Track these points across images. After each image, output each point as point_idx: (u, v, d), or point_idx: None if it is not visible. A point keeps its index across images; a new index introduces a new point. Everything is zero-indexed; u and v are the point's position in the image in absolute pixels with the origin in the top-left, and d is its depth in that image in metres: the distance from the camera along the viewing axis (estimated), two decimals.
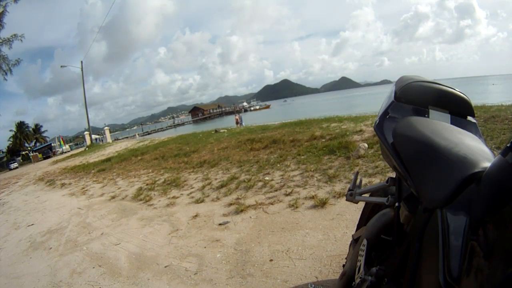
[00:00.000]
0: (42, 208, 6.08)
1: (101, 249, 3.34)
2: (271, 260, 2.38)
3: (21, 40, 24.84)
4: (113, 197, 5.57)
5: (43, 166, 17.66)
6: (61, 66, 30.24)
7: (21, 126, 52.37)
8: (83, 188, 7.22)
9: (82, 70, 30.11)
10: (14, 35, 24.59)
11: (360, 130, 5.90)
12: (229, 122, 27.58)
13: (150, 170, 7.37)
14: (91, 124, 30.44)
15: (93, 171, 9.58)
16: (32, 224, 5.01)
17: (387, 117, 0.99)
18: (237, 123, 14.57)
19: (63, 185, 8.44)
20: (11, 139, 51.16)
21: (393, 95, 1.02)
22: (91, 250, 3.39)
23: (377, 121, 1.02)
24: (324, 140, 5.91)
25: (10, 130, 52.00)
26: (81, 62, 30.43)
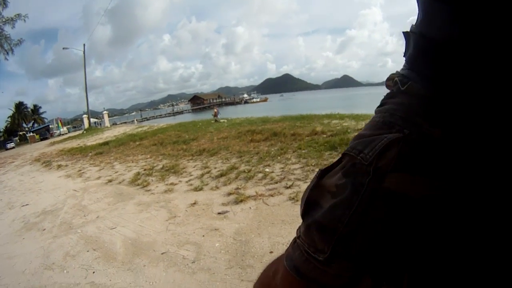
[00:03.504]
0: (38, 189, 6.00)
1: (96, 233, 3.27)
2: (271, 252, 2.32)
3: (24, 20, 24.58)
4: (110, 181, 5.49)
5: (40, 147, 17.50)
6: (63, 48, 29.99)
7: (19, 106, 51.98)
8: (80, 170, 7.13)
9: (84, 53, 29.79)
10: (18, 14, 24.31)
11: (361, 129, 5.84)
12: (228, 113, 27.43)
13: (148, 156, 7.28)
14: (90, 108, 30.21)
15: (90, 154, 9.48)
16: (27, 204, 4.94)
17: None
18: (215, 115, 14.67)
19: (59, 166, 8.34)
20: (9, 119, 50.84)
21: None
22: (85, 233, 3.32)
23: None
24: (325, 136, 5.85)
25: (9, 109, 51.69)
26: (84, 45, 30.11)
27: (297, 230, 0.45)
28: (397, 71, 0.47)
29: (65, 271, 2.56)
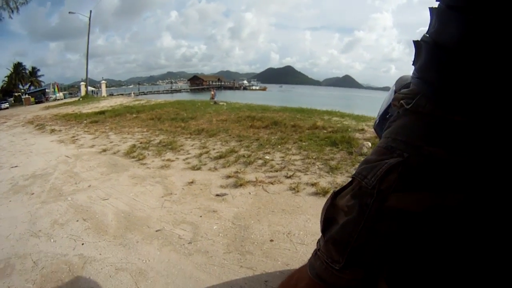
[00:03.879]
0: (28, 151, 5.80)
1: (87, 202, 3.14)
2: (271, 241, 2.22)
3: None
4: (104, 150, 5.33)
5: (34, 110, 17.10)
6: (69, 13, 29.43)
7: (18, 67, 50.70)
8: (73, 137, 6.93)
9: (90, 19, 29.06)
10: None
11: (362, 129, 5.74)
12: (226, 97, 27.18)
13: (145, 130, 7.10)
14: (88, 76, 29.60)
15: (85, 121, 9.24)
16: (16, 166, 4.76)
17: (387, 116, 0.99)
18: (212, 98, 14.83)
19: (52, 131, 8.12)
20: (6, 79, 49.69)
21: (393, 95, 0.94)
22: (76, 201, 3.18)
23: (377, 121, 1.03)
24: (325, 131, 5.74)
25: (7, 69, 50.47)
26: (90, 11, 29.36)
27: (317, 242, 0.54)
28: (403, 91, 0.50)
29: (52, 240, 2.42)
